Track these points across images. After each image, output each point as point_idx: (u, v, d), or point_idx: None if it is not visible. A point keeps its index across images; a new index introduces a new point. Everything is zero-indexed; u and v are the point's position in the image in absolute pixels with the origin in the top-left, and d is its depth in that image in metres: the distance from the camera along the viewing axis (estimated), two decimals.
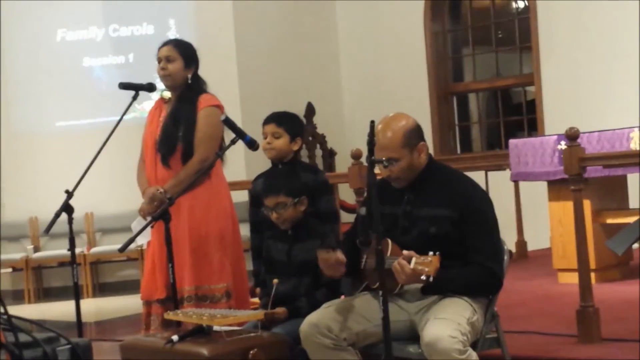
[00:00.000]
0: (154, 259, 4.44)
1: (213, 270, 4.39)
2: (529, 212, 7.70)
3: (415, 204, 3.45)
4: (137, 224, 4.41)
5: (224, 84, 6.95)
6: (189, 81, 4.52)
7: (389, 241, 3.37)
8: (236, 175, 5.94)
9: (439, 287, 3.30)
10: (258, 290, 4.21)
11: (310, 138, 10.17)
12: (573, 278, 4.84)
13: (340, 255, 3.43)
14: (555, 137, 5.83)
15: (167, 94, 4.61)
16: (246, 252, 4.70)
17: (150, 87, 4.57)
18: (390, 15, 9.94)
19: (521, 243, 7.61)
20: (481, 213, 3.39)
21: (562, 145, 5.30)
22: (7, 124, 9.70)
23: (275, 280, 3.85)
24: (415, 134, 3.45)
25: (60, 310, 8.07)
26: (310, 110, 10.15)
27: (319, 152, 10.32)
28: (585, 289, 4.35)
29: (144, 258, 8.98)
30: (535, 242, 7.68)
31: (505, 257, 3.48)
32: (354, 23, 10.34)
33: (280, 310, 3.79)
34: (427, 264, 3.12)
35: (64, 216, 4.19)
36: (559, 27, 8.67)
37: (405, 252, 3.22)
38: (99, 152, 4.31)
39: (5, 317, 1.85)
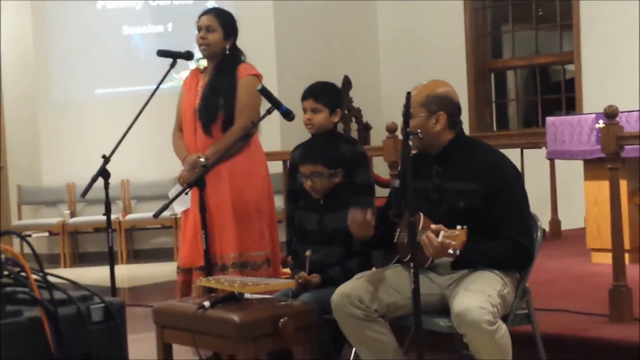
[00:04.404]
0: (195, 226, 4.43)
1: (254, 238, 4.46)
2: (564, 191, 7.64)
3: (444, 177, 3.43)
4: (175, 191, 4.42)
5: (262, 55, 6.94)
6: (227, 51, 4.54)
7: (422, 215, 3.35)
8: (271, 146, 5.95)
9: (469, 262, 3.29)
10: (290, 258, 4.24)
11: (346, 111, 10.14)
12: (606, 258, 4.81)
13: (369, 215, 3.43)
14: (594, 115, 5.76)
15: (203, 63, 4.64)
16: (279, 223, 4.73)
17: (188, 56, 4.59)
18: None
19: (555, 222, 7.56)
20: (510, 187, 3.36)
21: (600, 123, 5.24)
22: (46, 91, 9.82)
23: (308, 252, 3.87)
24: (439, 101, 3.42)
25: (95, 275, 8.17)
26: (347, 83, 10.12)
27: (354, 125, 10.30)
28: (618, 269, 4.32)
29: (178, 226, 9.12)
30: (570, 221, 7.63)
31: (538, 234, 3.46)
32: None
33: (314, 277, 3.81)
34: (454, 237, 3.10)
35: (100, 183, 4.19)
36: (601, 6, 8.55)
37: (433, 225, 3.20)
38: (135, 120, 4.32)
39: (41, 274, 1.89)
